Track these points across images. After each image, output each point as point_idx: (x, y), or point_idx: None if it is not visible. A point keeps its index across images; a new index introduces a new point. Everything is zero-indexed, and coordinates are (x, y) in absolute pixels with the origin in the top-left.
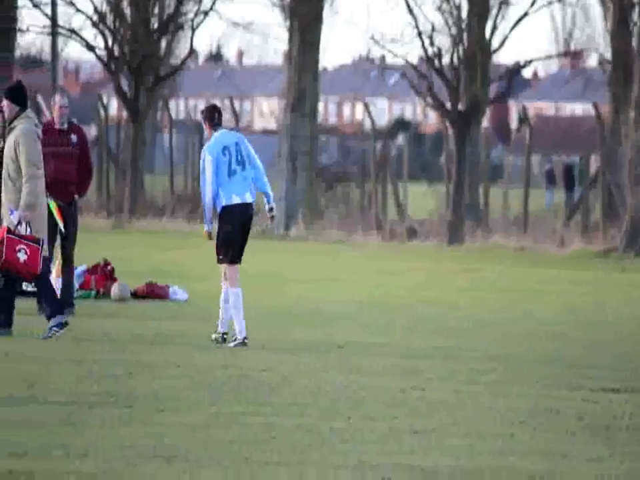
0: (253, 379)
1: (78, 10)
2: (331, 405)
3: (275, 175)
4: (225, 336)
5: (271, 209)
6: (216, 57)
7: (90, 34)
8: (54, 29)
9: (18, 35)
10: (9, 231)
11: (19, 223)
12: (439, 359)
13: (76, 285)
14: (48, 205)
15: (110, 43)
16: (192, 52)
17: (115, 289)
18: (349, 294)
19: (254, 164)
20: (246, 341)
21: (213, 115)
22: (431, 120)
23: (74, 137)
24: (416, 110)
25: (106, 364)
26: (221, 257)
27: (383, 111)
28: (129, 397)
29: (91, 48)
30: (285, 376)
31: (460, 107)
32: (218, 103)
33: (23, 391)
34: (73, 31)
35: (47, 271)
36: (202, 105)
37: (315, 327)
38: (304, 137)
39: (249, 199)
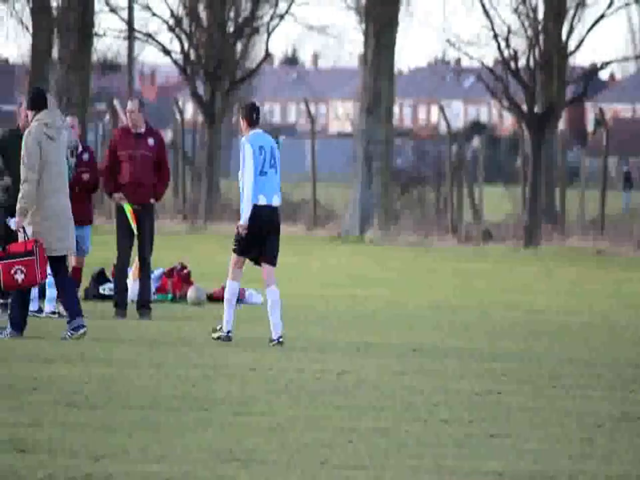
0: (329, 382)
1: (154, 14)
2: (407, 408)
3: (350, 178)
4: (230, 334)
5: None
6: (291, 60)
7: (166, 38)
8: (130, 34)
9: (95, 39)
10: (1, 257)
11: (17, 229)
12: (516, 362)
13: (152, 288)
14: (122, 208)
15: (186, 46)
16: (267, 55)
17: (191, 293)
18: (423, 297)
19: (279, 171)
20: (230, 334)
21: (252, 113)
22: (506, 122)
23: (151, 141)
24: (491, 112)
25: (183, 367)
26: (235, 247)
27: (459, 114)
28: (206, 400)
29: (167, 52)
30: (361, 379)
31: (536, 109)
32: (293, 106)
33: (100, 394)
34: (149, 35)
35: (62, 271)
36: (278, 109)
37: (390, 329)
38: (379, 140)
39: (275, 202)
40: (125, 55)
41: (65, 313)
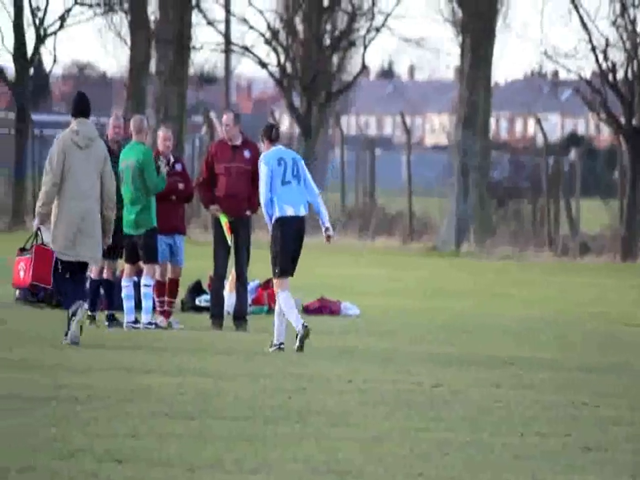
0: (424, 394)
1: (251, 27)
2: (502, 421)
3: (446, 191)
4: (282, 346)
5: (327, 229)
6: (387, 73)
7: (263, 51)
8: (227, 47)
9: (192, 52)
10: (21, 252)
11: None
12: (612, 374)
13: (249, 300)
14: (219, 220)
15: (282, 59)
16: (364, 68)
17: None
18: (517, 309)
19: (310, 188)
20: (282, 346)
21: (270, 133)
22: (604, 135)
23: (247, 153)
24: (589, 125)
25: (279, 379)
26: (275, 269)
27: (555, 126)
28: (301, 412)
29: (263, 65)
30: (456, 391)
31: (634, 121)
32: (389, 118)
33: (196, 405)
34: (246, 48)
35: (57, 271)
36: (374, 122)
37: (484, 342)
38: (475, 152)
39: (302, 212)
40: (222, 67)
41: (163, 324)
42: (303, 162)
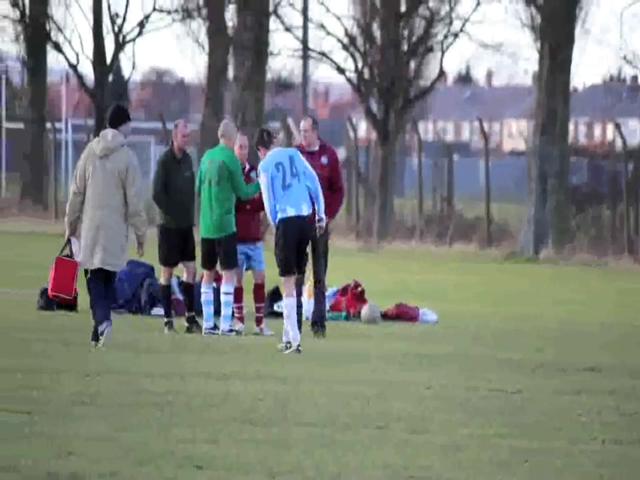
0: (504, 400)
1: (329, 33)
2: (583, 428)
3: (525, 196)
4: (288, 345)
5: (319, 220)
6: (465, 79)
7: (340, 57)
8: (305, 52)
9: (269, 58)
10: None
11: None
12: None
13: (327, 306)
14: None
15: (360, 65)
16: (441, 74)
17: (365, 311)
18: (597, 315)
19: (310, 176)
20: (300, 348)
21: (262, 139)
22: None
23: (324, 159)
24: None
25: (357, 384)
26: (279, 269)
27: (635, 132)
28: (381, 418)
29: (341, 70)
30: (536, 398)
31: None
32: (467, 124)
33: (275, 411)
34: (323, 54)
35: (90, 281)
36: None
37: (564, 348)
38: (554, 158)
39: (305, 210)
40: (299, 73)
41: (242, 330)
42: (299, 154)
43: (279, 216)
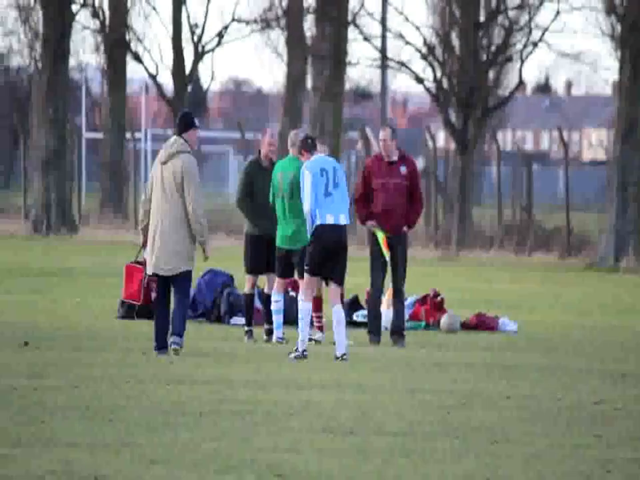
0: (586, 410)
1: (407, 43)
2: None
3: (605, 206)
4: (305, 353)
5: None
6: (544, 88)
7: (419, 66)
8: (383, 62)
9: (348, 67)
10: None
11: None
12: None
13: (406, 315)
14: (376, 236)
15: (439, 75)
16: (520, 83)
17: (444, 320)
18: None
19: (343, 192)
20: (305, 353)
21: (306, 144)
22: None
23: (403, 169)
24: None
25: (438, 394)
26: (307, 267)
27: None
28: (461, 428)
29: (419, 80)
30: (619, 408)
31: None
32: (546, 134)
33: (355, 420)
34: (402, 64)
35: (175, 290)
36: (530, 137)
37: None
38: (635, 167)
39: (342, 221)
40: (378, 83)
41: (321, 339)
42: (341, 167)
43: (318, 221)
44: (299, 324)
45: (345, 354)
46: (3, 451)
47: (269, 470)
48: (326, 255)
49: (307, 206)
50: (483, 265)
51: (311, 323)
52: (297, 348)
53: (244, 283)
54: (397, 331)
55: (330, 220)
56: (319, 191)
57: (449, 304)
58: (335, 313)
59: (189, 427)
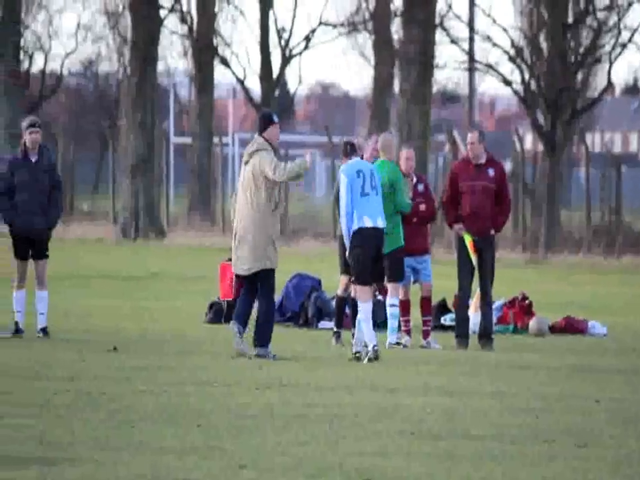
0: None
1: (495, 45)
2: None
3: None
4: (357, 355)
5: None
6: (633, 89)
7: (506, 68)
8: (471, 65)
9: (435, 71)
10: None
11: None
12: None
13: (494, 319)
14: (463, 239)
15: (526, 77)
16: (609, 85)
17: (533, 323)
18: None
19: (380, 193)
20: (376, 348)
21: (346, 149)
22: None
23: (491, 172)
24: None
25: (525, 398)
26: (357, 280)
27: None
28: (549, 432)
29: (507, 82)
30: None
31: None
32: (635, 135)
33: (443, 425)
34: (489, 66)
35: (260, 290)
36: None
37: None
38: None
39: (380, 223)
40: (465, 85)
41: (408, 343)
42: (378, 172)
43: (356, 224)
44: (359, 324)
45: (375, 345)
46: (93, 456)
47: (356, 474)
48: (372, 258)
49: (342, 211)
50: (571, 267)
51: (399, 326)
52: (357, 354)
53: (332, 287)
54: (485, 335)
55: (368, 223)
56: (355, 192)
57: (537, 307)
58: (363, 309)
59: (277, 431)
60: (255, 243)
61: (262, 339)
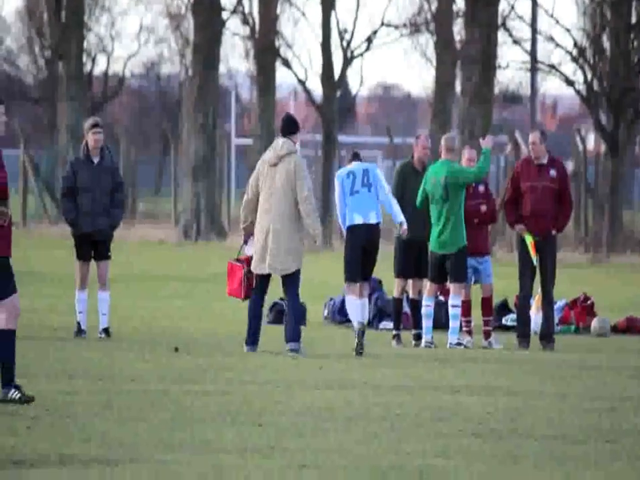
0: None
1: (557, 45)
2: None
3: None
4: (361, 351)
5: (401, 223)
6: None
7: (569, 69)
8: (533, 65)
9: (497, 71)
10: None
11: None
12: None
13: (555, 319)
14: (523, 239)
15: (589, 77)
16: None
17: (595, 324)
18: None
19: (381, 187)
20: (361, 351)
21: (351, 157)
22: None
23: (553, 172)
24: None
25: (588, 398)
26: (345, 275)
27: None
28: (612, 432)
29: (570, 83)
30: None
31: None
32: None
33: (505, 425)
34: (552, 67)
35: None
36: None
37: None
38: None
39: (373, 219)
40: (527, 86)
41: (469, 344)
42: (377, 170)
43: (348, 223)
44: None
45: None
46: (155, 456)
47: (418, 474)
48: (361, 255)
49: (338, 214)
50: (633, 268)
51: (460, 327)
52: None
53: (392, 287)
54: (547, 335)
55: (359, 220)
56: (345, 192)
57: (599, 307)
58: (359, 305)
59: (339, 432)
60: (292, 242)
61: (296, 334)
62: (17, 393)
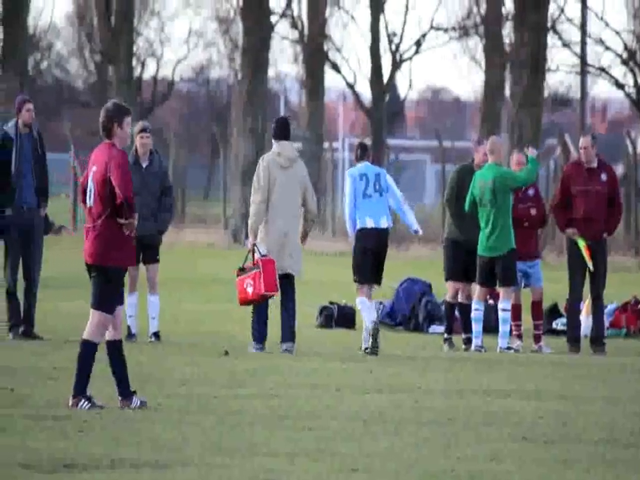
0: None
1: (607, 48)
2: None
3: None
4: (367, 350)
5: (415, 231)
6: None
7: (619, 71)
8: (583, 68)
9: (547, 74)
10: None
11: (250, 250)
12: None
13: (606, 323)
14: (576, 243)
15: (639, 80)
16: None
17: None
18: None
19: (393, 194)
20: (367, 351)
21: (357, 153)
22: None
23: (603, 176)
24: None
25: (638, 402)
26: (354, 277)
27: None
28: None
29: (620, 86)
30: None
31: None
32: None
33: (556, 429)
34: (602, 69)
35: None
36: None
37: None
38: None
39: (384, 224)
40: (577, 89)
41: (519, 348)
42: (387, 175)
43: (358, 225)
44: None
45: (367, 347)
46: (204, 459)
47: (469, 479)
48: (371, 258)
49: (346, 212)
50: None
51: (510, 331)
52: (367, 349)
53: (442, 291)
54: (597, 339)
55: (370, 224)
56: (357, 194)
57: None
58: (364, 306)
59: (389, 436)
60: (298, 246)
61: (293, 335)
62: (137, 401)
